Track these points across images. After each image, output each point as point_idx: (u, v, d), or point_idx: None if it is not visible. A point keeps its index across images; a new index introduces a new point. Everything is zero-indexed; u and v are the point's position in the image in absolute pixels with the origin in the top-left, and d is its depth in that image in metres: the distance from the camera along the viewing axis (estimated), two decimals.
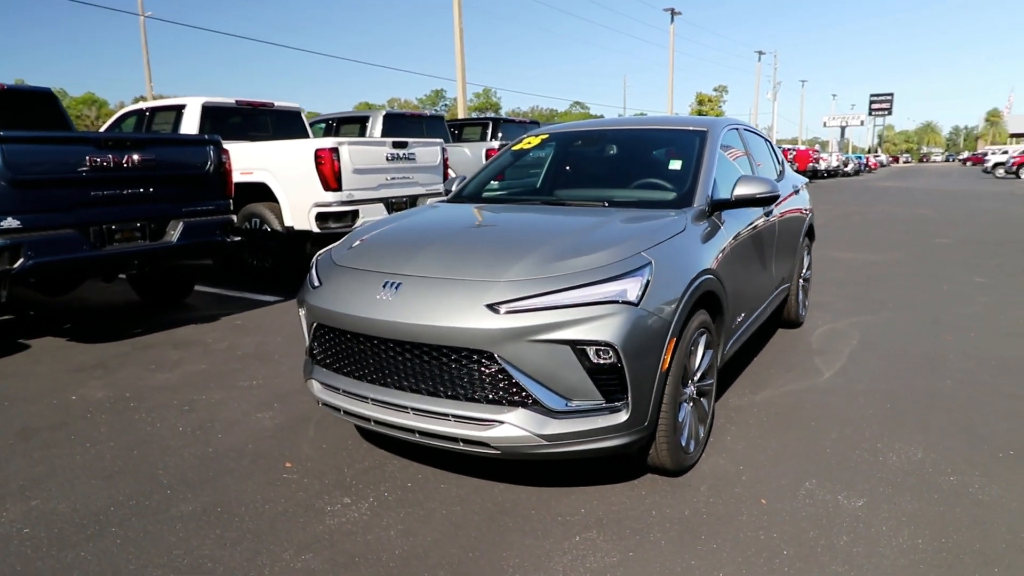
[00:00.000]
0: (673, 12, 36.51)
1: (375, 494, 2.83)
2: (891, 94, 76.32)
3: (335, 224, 7.04)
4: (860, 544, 2.40)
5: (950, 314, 5.65)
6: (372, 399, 2.69)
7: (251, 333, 5.47)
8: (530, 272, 2.55)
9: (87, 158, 4.84)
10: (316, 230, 7.02)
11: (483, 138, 12.90)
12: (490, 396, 2.49)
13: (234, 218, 5.99)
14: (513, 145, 4.35)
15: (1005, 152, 55.92)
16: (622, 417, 2.46)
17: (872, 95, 76.18)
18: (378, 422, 2.70)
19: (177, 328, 5.66)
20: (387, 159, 7.51)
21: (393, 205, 7.58)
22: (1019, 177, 33.72)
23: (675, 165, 3.64)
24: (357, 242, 3.16)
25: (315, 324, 2.92)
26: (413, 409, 2.58)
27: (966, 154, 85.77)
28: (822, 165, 37.04)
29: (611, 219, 3.09)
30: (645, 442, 2.63)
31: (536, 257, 2.63)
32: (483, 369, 2.47)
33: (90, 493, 2.88)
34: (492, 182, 4.28)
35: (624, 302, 2.46)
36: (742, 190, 3.33)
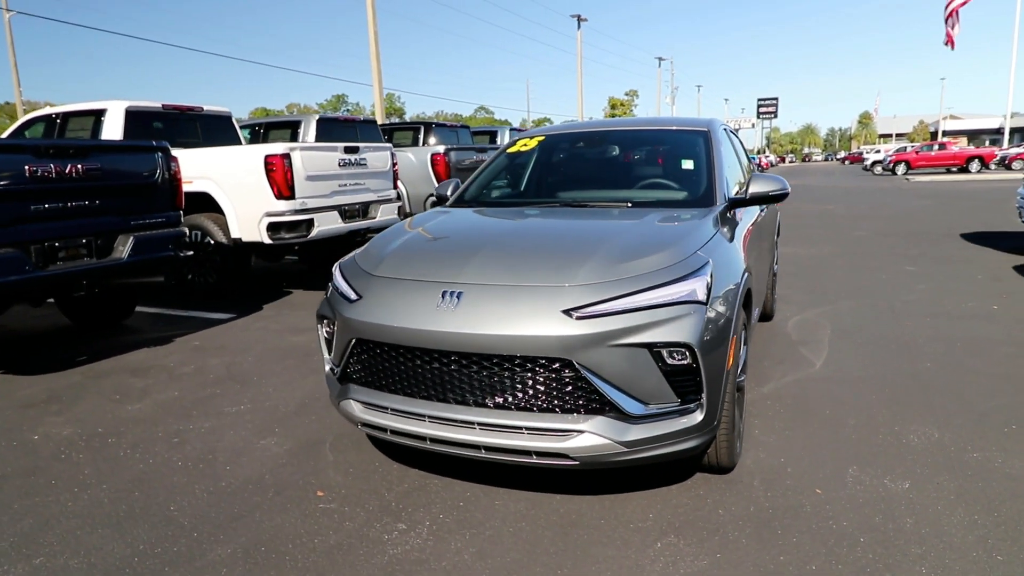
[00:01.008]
0: (579, 18, 37.42)
1: (430, 517, 2.67)
2: (776, 98, 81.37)
3: (288, 234, 6.67)
4: (925, 525, 2.49)
5: (899, 301, 6.04)
6: (430, 416, 2.53)
7: (216, 354, 5.08)
8: (599, 275, 2.48)
9: (26, 168, 4.34)
10: (268, 241, 6.63)
11: (415, 143, 12.63)
12: (567, 405, 2.40)
13: (187, 230, 5.55)
14: (508, 148, 4.26)
15: (878, 151, 61.14)
16: (697, 418, 2.44)
17: (759, 99, 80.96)
18: (436, 440, 2.54)
19: (128, 353, 5.17)
20: (339, 165, 7.21)
21: (346, 213, 7.29)
22: (895, 173, 36.81)
23: (687, 164, 3.69)
24: (389, 251, 2.98)
25: (353, 340, 2.72)
26: (480, 424, 2.45)
27: (843, 153, 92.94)
28: None
29: (647, 220, 3.07)
30: (712, 441, 2.63)
31: (599, 260, 2.57)
32: (560, 377, 2.38)
33: (101, 544, 2.56)
34: (494, 185, 4.17)
35: (694, 302, 2.44)
36: (757, 188, 3.40)
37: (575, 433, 2.37)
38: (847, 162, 73.75)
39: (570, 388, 2.39)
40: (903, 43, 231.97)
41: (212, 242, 6.85)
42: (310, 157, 6.78)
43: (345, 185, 7.31)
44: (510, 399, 2.44)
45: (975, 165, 34.87)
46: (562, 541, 2.48)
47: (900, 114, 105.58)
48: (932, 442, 3.17)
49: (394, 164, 8.23)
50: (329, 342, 3.02)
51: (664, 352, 2.38)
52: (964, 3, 30.25)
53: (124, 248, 4.98)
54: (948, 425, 3.34)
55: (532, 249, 2.88)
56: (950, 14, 30.76)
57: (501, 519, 2.64)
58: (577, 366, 2.34)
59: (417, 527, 2.60)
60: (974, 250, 8.72)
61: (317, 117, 10.48)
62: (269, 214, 6.57)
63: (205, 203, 6.79)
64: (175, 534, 2.61)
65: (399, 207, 8.28)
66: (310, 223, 6.76)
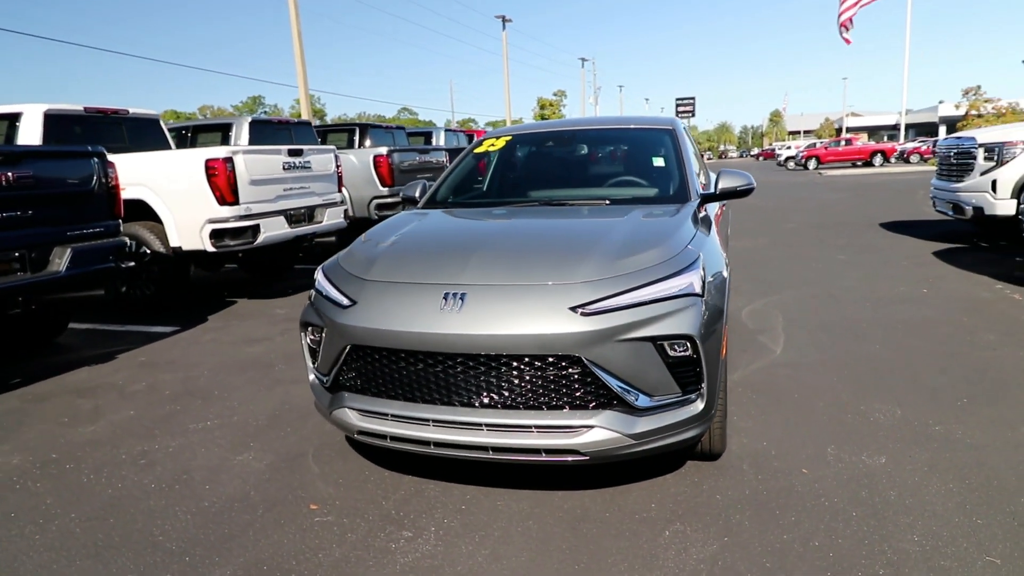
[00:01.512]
0: (504, 19, 37.56)
1: (434, 523, 2.63)
2: (693, 98, 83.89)
3: (233, 241, 6.41)
4: (907, 496, 2.65)
5: (837, 288, 6.39)
6: (434, 420, 2.50)
7: (167, 369, 4.82)
8: (600, 272, 2.51)
9: None
10: (211, 249, 6.34)
11: (351, 145, 12.37)
12: (575, 401, 2.42)
13: (127, 240, 5.24)
14: (475, 148, 4.24)
15: (789, 148, 64.31)
16: (699, 407, 2.51)
17: (678, 99, 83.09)
18: (440, 444, 2.51)
19: (68, 373, 4.84)
20: (283, 168, 6.98)
21: (292, 217, 7.07)
22: (807, 168, 38.85)
23: (658, 162, 3.77)
24: (379, 254, 2.91)
25: (347, 347, 2.64)
26: (488, 425, 2.43)
27: (757, 150, 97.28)
28: None
29: (632, 217, 3.13)
30: (708, 429, 2.70)
31: (599, 257, 2.60)
32: (568, 374, 2.40)
33: None
34: (466, 186, 4.14)
35: (693, 295, 2.51)
36: (726, 183, 3.53)
37: (585, 429, 2.39)
38: (760, 158, 77.20)
39: (578, 384, 2.41)
40: (809, 45, 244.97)
41: (148, 252, 6.50)
42: (253, 160, 6.54)
43: (290, 189, 7.09)
44: (518, 398, 2.44)
45: (878, 159, 37.23)
46: (572, 537, 2.49)
47: (807, 112, 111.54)
48: (896, 419, 3.37)
49: (338, 167, 8.03)
50: (315, 350, 2.93)
51: (666, 345, 2.43)
52: (859, 5, 31.81)
53: (61, 261, 4.66)
54: (907, 402, 3.56)
55: (529, 248, 2.88)
56: (845, 19, 32.30)
57: (507, 519, 2.63)
58: (585, 362, 2.36)
59: (423, 533, 2.56)
60: (894, 238, 9.32)
61: (250, 119, 10.11)
62: (212, 221, 6.30)
63: (140, 211, 6.44)
64: (164, 560, 2.47)
65: (344, 210, 8.10)
66: (256, 229, 6.51)
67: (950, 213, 8.39)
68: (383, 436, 2.62)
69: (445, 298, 2.48)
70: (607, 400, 2.42)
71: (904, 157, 38.13)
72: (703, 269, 2.63)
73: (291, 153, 7.10)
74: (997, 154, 7.56)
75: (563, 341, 2.34)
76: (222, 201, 6.28)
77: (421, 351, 2.48)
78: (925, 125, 69.51)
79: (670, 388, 2.47)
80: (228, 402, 4.10)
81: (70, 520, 2.78)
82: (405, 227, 3.31)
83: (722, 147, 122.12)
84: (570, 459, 2.43)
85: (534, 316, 2.38)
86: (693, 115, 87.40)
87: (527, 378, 2.41)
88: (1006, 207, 7.53)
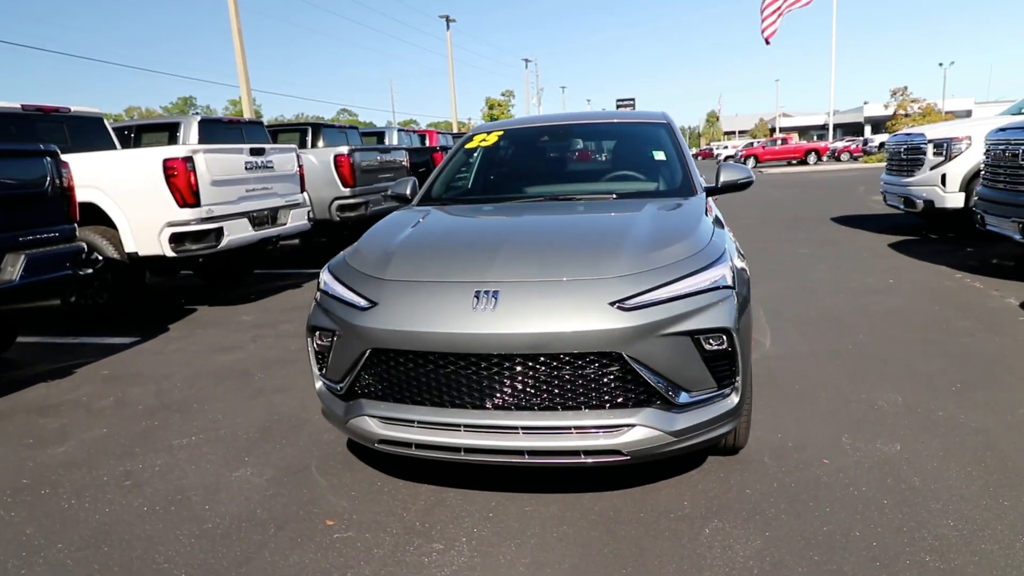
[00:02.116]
0: (448, 19, 37.27)
1: (464, 532, 2.51)
2: (633, 99, 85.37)
3: (195, 246, 6.08)
4: (931, 482, 2.68)
5: (809, 281, 6.54)
6: (466, 425, 2.38)
7: (134, 382, 4.51)
8: (635, 266, 2.44)
9: None
10: (170, 254, 6.01)
11: (303, 145, 11.99)
12: (616, 399, 2.34)
13: (84, 246, 4.89)
14: (465, 143, 4.11)
15: (726, 147, 66.19)
16: (734, 400, 2.47)
17: (618, 100, 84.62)
18: (472, 450, 2.39)
19: (24, 390, 4.47)
20: (245, 168, 6.68)
21: (255, 219, 6.77)
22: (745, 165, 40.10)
23: (659, 155, 3.74)
24: (393, 252, 2.77)
25: (367, 351, 2.49)
26: (524, 428, 2.33)
27: (695, 150, 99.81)
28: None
29: (648, 210, 3.07)
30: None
31: (631, 251, 2.53)
32: (608, 371, 2.32)
33: None
34: (462, 181, 4.01)
35: (726, 287, 2.47)
36: (727, 176, 3.52)
37: (626, 428, 2.31)
38: (699, 157, 79.27)
39: (617, 382, 2.34)
40: (743, 47, 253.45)
41: (101, 258, 6.09)
42: (215, 160, 6.22)
43: (253, 190, 6.79)
44: (556, 399, 2.34)
45: (812, 157, 38.74)
46: (612, 540, 2.41)
47: (741, 113, 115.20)
48: (900, 406, 3.43)
49: (300, 166, 7.75)
50: (323, 356, 2.76)
51: (702, 339, 2.38)
52: (779, 15, 32.21)
53: (14, 269, 4.30)
54: (905, 389, 3.64)
55: (555, 243, 2.79)
56: (771, 17, 32.62)
57: (540, 525, 2.53)
58: (626, 358, 2.29)
59: (455, 544, 2.44)
60: (850, 232, 9.64)
61: (199, 118, 9.66)
62: (172, 224, 5.96)
63: (91, 215, 6.03)
64: None
65: (308, 212, 7.82)
66: (219, 232, 6.20)
67: (901, 207, 8.73)
68: (407, 444, 2.48)
69: (477, 296, 2.37)
70: (647, 397, 2.36)
71: (836, 156, 39.82)
72: (731, 261, 2.60)
73: (253, 152, 6.80)
74: (945, 149, 7.90)
75: (604, 337, 2.26)
76: (182, 203, 5.95)
77: (452, 353, 2.35)
78: (852, 125, 72.79)
79: (707, 383, 2.42)
80: (210, 415, 3.85)
81: (58, 551, 2.54)
82: (412, 225, 3.16)
83: None
84: (611, 460, 2.35)
85: (573, 312, 2.29)
86: None
87: (565, 377, 2.32)
88: (955, 200, 7.89)
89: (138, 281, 6.45)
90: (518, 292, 2.37)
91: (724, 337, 2.40)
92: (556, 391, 2.34)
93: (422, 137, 17.75)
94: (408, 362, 2.44)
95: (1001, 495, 2.55)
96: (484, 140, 4.10)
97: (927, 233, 8.99)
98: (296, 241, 9.08)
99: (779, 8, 32.25)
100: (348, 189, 8.97)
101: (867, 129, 67.44)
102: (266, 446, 3.38)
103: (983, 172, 6.59)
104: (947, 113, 34.94)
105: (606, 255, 2.52)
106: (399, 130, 15.77)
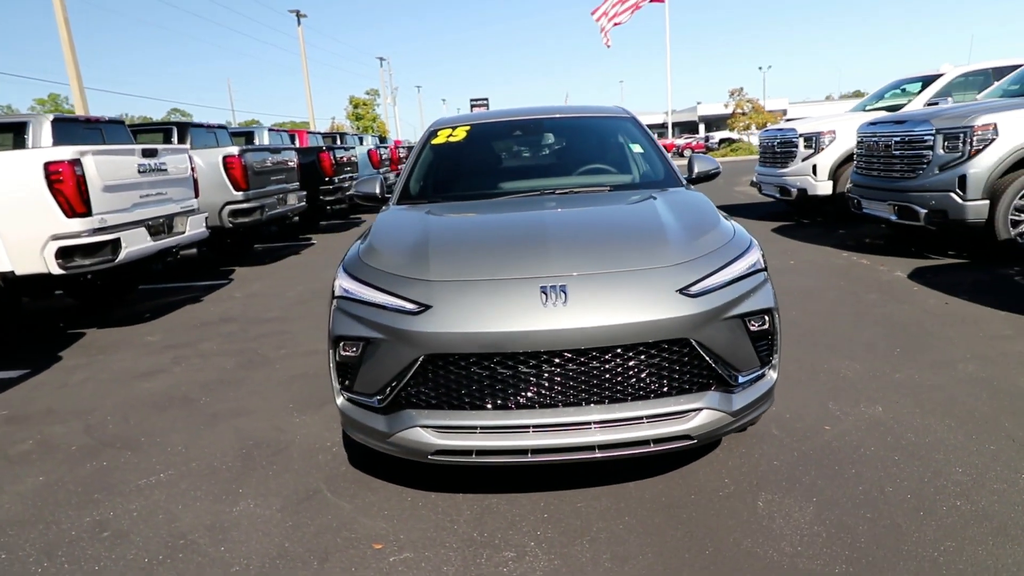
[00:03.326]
0: (299, 14, 35.46)
1: (528, 537, 2.43)
2: (487, 99, 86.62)
3: (87, 260, 5.35)
4: (924, 436, 2.98)
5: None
6: (535, 426, 2.30)
7: (48, 421, 3.90)
8: (686, 254, 2.49)
9: None
10: (57, 271, 5.24)
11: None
12: (683, 386, 2.37)
13: None
14: (430, 139, 3.96)
15: None
16: (773, 377, 2.60)
17: (472, 99, 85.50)
18: (540, 451, 2.32)
19: None
20: (139, 171, 5.98)
21: (152, 228, 6.08)
22: None
23: (637, 148, 3.82)
24: (429, 253, 2.60)
25: (420, 358, 2.33)
26: (597, 423, 2.30)
27: None
28: None
29: (659, 201, 3.12)
30: None
31: (675, 239, 2.58)
32: (677, 358, 2.34)
33: None
34: (440, 178, 3.85)
35: (762, 270, 2.59)
36: (700, 167, 3.69)
37: (694, 412, 2.35)
38: None
39: (683, 368, 2.37)
40: (587, 48, 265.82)
41: None
42: (106, 163, 5.52)
43: (147, 195, 6.10)
44: (628, 389, 2.33)
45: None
46: (678, 524, 2.45)
47: None
48: (862, 372, 3.78)
49: (193, 168, 7.07)
50: (350, 368, 2.55)
51: (750, 320, 2.48)
52: (613, 21, 33.53)
53: None
54: (857, 357, 4.01)
55: (596, 235, 2.77)
56: (606, 18, 33.86)
57: (601, 520, 2.51)
58: (693, 344, 2.33)
59: (527, 551, 2.35)
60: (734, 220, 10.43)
61: (52, 117, 8.48)
62: (58, 237, 5.20)
63: None
64: None
65: (206, 218, 7.15)
66: (116, 244, 5.50)
67: (777, 195, 9.60)
68: (467, 452, 2.35)
69: (544, 292, 2.30)
70: (707, 381, 2.42)
71: (680, 152, 43.06)
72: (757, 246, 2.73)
73: (145, 154, 6.11)
74: (815, 143, 8.80)
75: (675, 325, 2.29)
76: (70, 213, 5.22)
77: (522, 352, 2.26)
78: (688, 124, 78.78)
79: (753, 362, 2.53)
80: (169, 448, 3.42)
81: None
82: (423, 224, 2.98)
83: None
84: (679, 445, 2.38)
85: (643, 302, 2.30)
86: None
87: (636, 367, 2.32)
88: (825, 187, 8.81)
89: (14, 305, 5.57)
90: (585, 285, 2.33)
91: (766, 317, 2.51)
92: (627, 382, 2.33)
93: (292, 137, 16.85)
94: (470, 365, 2.32)
95: (984, 441, 2.90)
96: (452, 136, 3.97)
97: (799, 219, 9.97)
98: (194, 251, 8.27)
99: (611, 16, 33.62)
100: (241, 193, 8.32)
101: (701, 127, 73.38)
102: (256, 475, 3.06)
103: (857, 161, 7.41)
104: (769, 112, 38.88)
105: (654, 244, 2.55)
106: (269, 130, 14.83)
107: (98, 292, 7.08)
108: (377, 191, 3.70)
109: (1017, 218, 5.94)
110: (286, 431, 3.53)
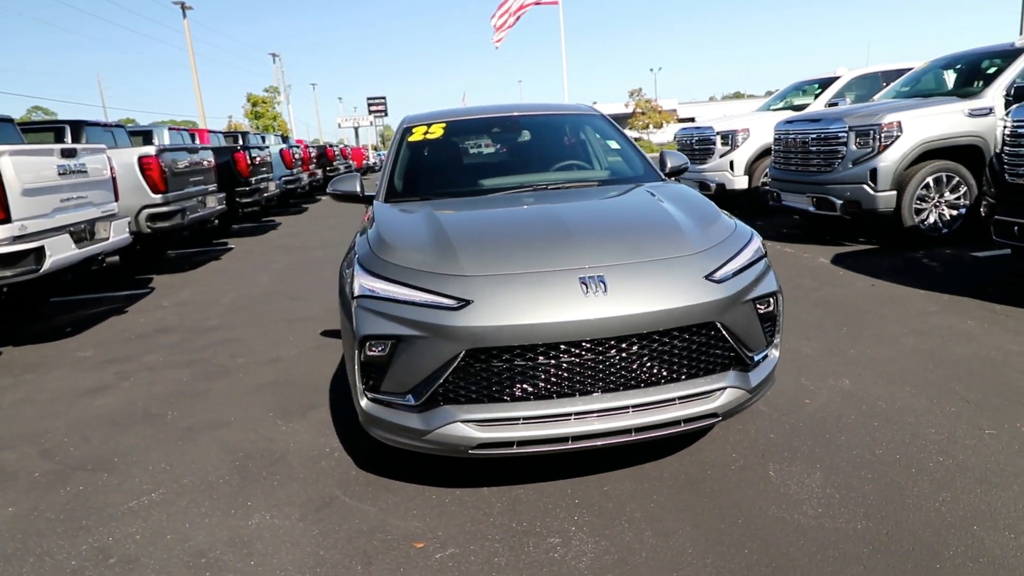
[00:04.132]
0: (184, 6, 33.28)
1: (567, 523, 2.49)
2: (384, 97, 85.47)
3: (8, 271, 4.89)
4: (893, 402, 3.29)
5: None
6: (576, 413, 2.36)
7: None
8: (703, 242, 2.63)
9: None
10: None
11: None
12: (708, 366, 2.51)
13: None
14: (407, 137, 3.91)
15: None
16: (776, 355, 2.80)
17: (369, 98, 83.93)
18: (580, 437, 2.38)
19: None
20: (59, 173, 5.50)
21: (75, 235, 5.62)
22: None
23: (613, 144, 3.95)
24: (456, 248, 2.59)
25: (462, 353, 2.33)
26: (634, 406, 2.39)
27: None
28: (371, 160, 41.42)
29: (656, 194, 3.26)
30: None
31: (689, 229, 2.71)
32: (704, 340, 2.48)
33: None
34: (423, 175, 3.81)
35: (764, 256, 2.78)
36: (673, 163, 3.88)
37: (720, 391, 2.50)
38: None
39: (709, 350, 2.51)
40: (486, 48, 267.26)
41: None
42: (24, 164, 5.05)
43: (68, 199, 5.62)
44: (662, 373, 2.44)
45: None
46: (706, 499, 2.59)
47: None
48: (820, 350, 4.10)
49: (112, 169, 6.58)
50: (375, 368, 2.51)
51: (758, 303, 2.66)
52: (519, 12, 33.78)
53: None
54: (811, 336, 4.35)
55: (614, 227, 2.87)
56: (503, 15, 34.11)
57: (631, 500, 2.61)
58: (719, 327, 2.48)
59: (572, 535, 2.42)
60: None
61: None
62: None
63: None
64: None
65: (128, 223, 6.68)
66: (40, 253, 5.05)
67: (696, 190, 10.12)
68: (509, 444, 2.38)
69: (583, 283, 2.36)
70: (729, 361, 2.57)
71: None
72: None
73: (64, 154, 5.63)
74: (731, 140, 9.36)
75: (705, 309, 2.42)
76: None
77: (565, 341, 2.32)
78: None
79: (762, 343, 2.71)
80: (150, 466, 3.21)
81: None
82: (432, 220, 2.95)
83: None
84: (706, 423, 2.52)
85: (679, 289, 2.41)
86: (386, 114, 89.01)
87: (671, 351, 2.44)
88: (742, 182, 9.39)
89: None
90: (621, 275, 2.41)
91: (772, 300, 2.70)
92: (660, 365, 2.44)
93: (192, 136, 15.93)
94: (513, 357, 2.35)
95: (944, 404, 3.24)
96: (429, 133, 3.95)
97: None
98: (117, 258, 7.66)
99: (503, 21, 33.69)
100: (160, 196, 7.81)
101: None
102: (259, 487, 2.94)
103: (775, 157, 7.95)
104: (665, 112, 40.69)
105: (671, 234, 2.68)
106: (170, 129, 13.96)
107: (5, 307, 6.43)
108: (358, 189, 3.63)
109: (919, 207, 6.61)
110: (276, 440, 3.39)
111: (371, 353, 2.50)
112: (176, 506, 2.83)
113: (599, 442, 2.43)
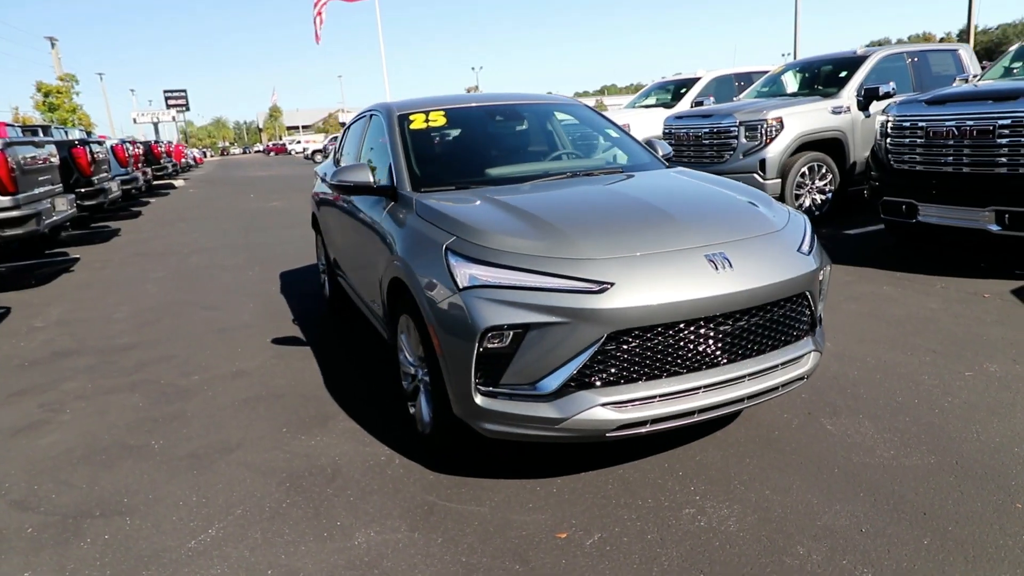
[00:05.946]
0: None
1: (687, 493, 2.59)
2: (184, 90, 78.33)
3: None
4: (880, 359, 3.77)
5: None
6: (704, 386, 2.45)
7: None
8: (777, 220, 2.83)
9: None
10: None
11: None
12: (799, 332, 2.72)
13: None
14: (408, 125, 3.69)
15: (300, 142, 66.54)
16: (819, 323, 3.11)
17: (166, 91, 76.54)
18: (705, 409, 2.48)
19: None
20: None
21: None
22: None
23: (612, 132, 4.04)
24: (572, 233, 2.53)
25: (603, 336, 2.31)
26: (750, 375, 2.54)
27: (263, 145, 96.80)
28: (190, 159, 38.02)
29: (696, 177, 3.43)
30: None
31: (760, 208, 2.90)
32: (798, 308, 2.68)
33: None
34: (444, 164, 3.63)
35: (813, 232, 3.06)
36: (664, 151, 4.09)
37: (808, 355, 2.73)
38: (272, 153, 77.19)
39: (800, 317, 2.72)
40: (301, 40, 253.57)
41: None
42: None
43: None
44: (770, 341, 2.61)
45: None
46: (793, 454, 2.81)
47: (303, 108, 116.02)
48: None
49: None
50: (494, 360, 2.41)
51: (820, 272, 2.92)
52: (320, 6, 32.41)
53: None
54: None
55: (701, 207, 2.96)
56: (317, 14, 32.92)
57: (730, 465, 2.76)
58: (808, 296, 2.70)
59: (700, 504, 2.51)
60: None
61: None
62: None
63: None
64: None
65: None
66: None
67: None
68: (642, 423, 2.42)
69: (711, 260, 2.45)
70: (808, 327, 2.81)
71: None
72: None
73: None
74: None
75: (804, 280, 2.63)
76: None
77: (704, 317, 2.40)
78: None
79: (818, 309, 2.99)
80: (180, 502, 2.78)
81: None
82: (509, 207, 2.83)
83: (220, 143, 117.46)
84: (796, 387, 2.74)
85: (787, 261, 2.59)
86: (187, 109, 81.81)
87: (778, 320, 2.60)
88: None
89: None
90: (739, 250, 2.53)
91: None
92: (770, 334, 2.60)
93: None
94: (654, 336, 2.38)
95: (918, 355, 3.79)
96: (430, 121, 3.76)
97: None
98: (3, 269, 6.26)
99: (315, 15, 32.20)
100: (8, 197, 6.58)
101: None
102: (336, 505, 2.68)
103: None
104: None
105: (751, 212, 2.85)
106: (56, 128, 11.70)
107: None
108: (372, 180, 3.39)
109: (798, 192, 7.54)
110: (313, 456, 3.10)
111: (491, 345, 2.40)
112: (251, 539, 2.49)
113: (719, 412, 2.54)
